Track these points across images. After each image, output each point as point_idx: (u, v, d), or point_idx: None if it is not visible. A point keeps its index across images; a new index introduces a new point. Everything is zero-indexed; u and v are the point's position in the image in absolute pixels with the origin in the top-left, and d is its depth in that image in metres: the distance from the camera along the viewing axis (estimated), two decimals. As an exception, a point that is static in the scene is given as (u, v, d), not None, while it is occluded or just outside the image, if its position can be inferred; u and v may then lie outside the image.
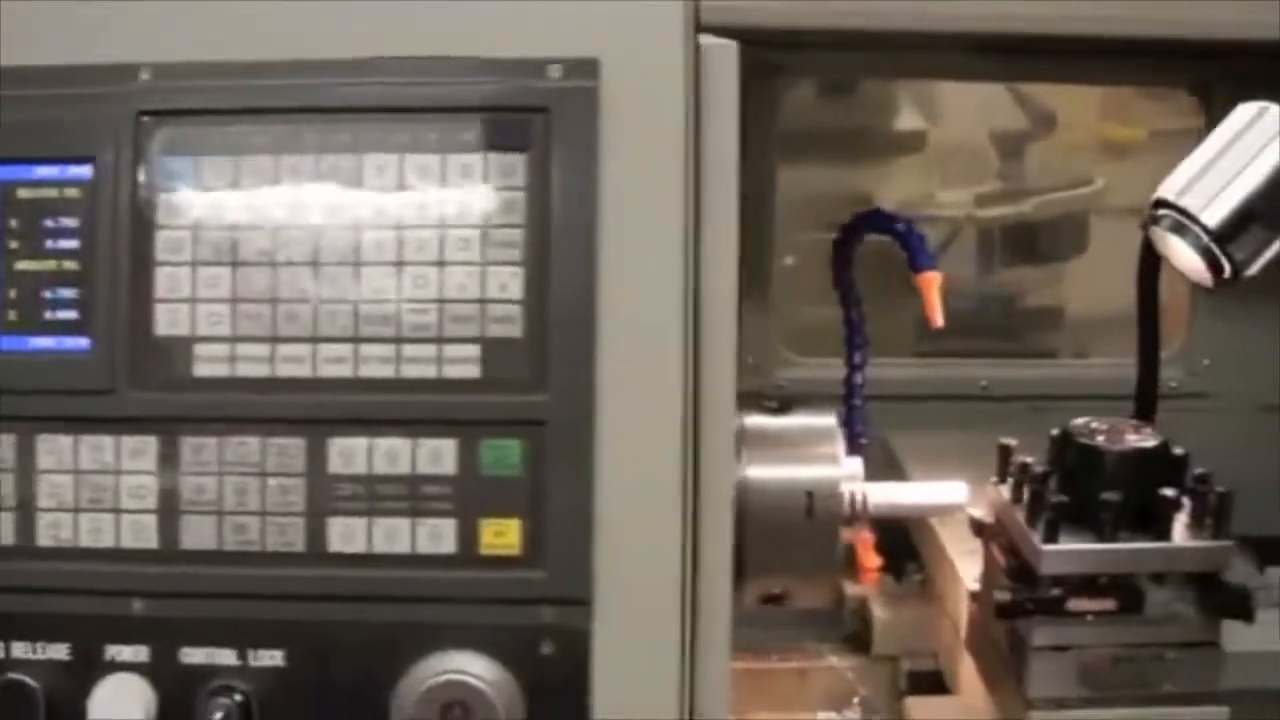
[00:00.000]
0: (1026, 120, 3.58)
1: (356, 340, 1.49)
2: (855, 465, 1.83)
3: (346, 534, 1.50)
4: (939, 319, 2.13)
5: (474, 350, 1.49)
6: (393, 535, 1.49)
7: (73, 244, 1.50)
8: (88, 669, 1.51)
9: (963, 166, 3.62)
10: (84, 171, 1.50)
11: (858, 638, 2.32)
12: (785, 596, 1.82)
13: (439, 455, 1.49)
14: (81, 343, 1.50)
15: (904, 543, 2.36)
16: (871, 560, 2.26)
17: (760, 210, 2.57)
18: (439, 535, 1.49)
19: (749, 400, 1.85)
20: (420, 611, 1.50)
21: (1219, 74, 2.45)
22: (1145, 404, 2.13)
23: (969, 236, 3.42)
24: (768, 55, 2.50)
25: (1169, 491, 1.84)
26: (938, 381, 2.69)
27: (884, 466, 2.34)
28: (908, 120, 3.48)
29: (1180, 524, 1.87)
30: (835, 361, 2.34)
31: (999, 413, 2.05)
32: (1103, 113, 3.77)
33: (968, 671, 2.11)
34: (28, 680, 1.51)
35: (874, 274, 2.37)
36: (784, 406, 1.86)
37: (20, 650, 1.52)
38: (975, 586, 2.05)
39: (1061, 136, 3.72)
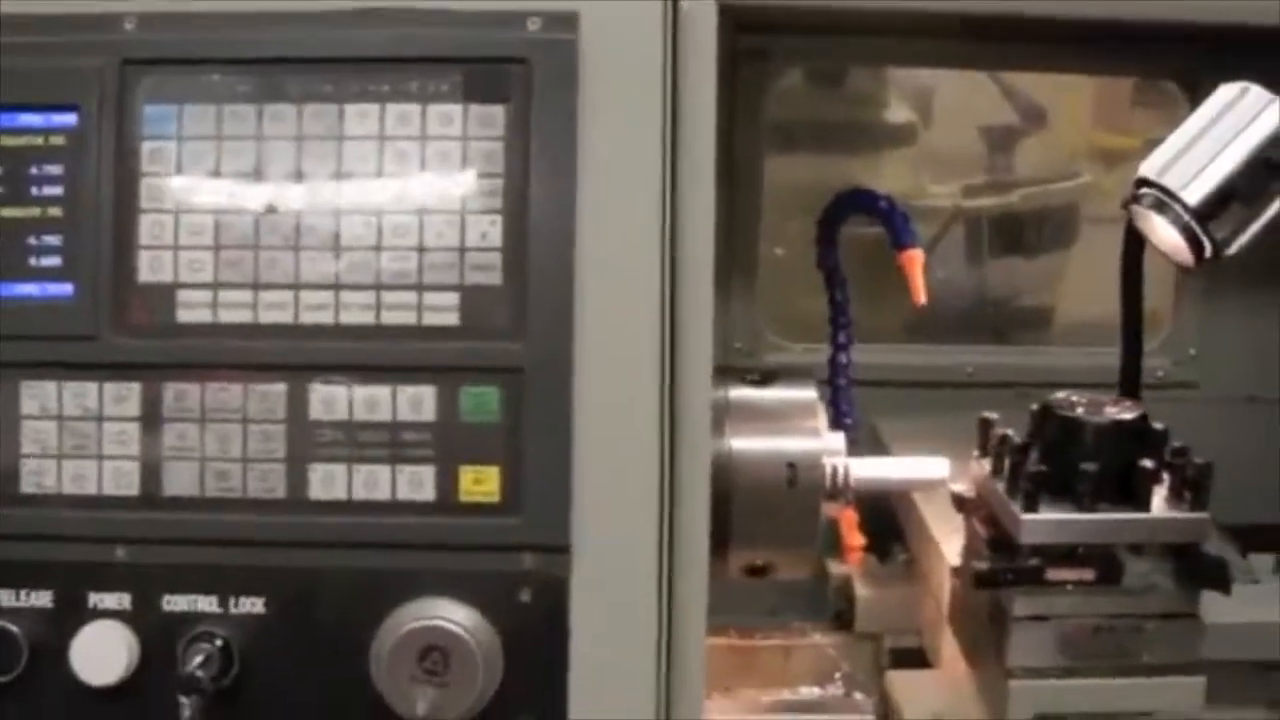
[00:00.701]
0: (1016, 115, 3.61)
1: (338, 287, 1.51)
2: (837, 439, 1.85)
3: (327, 481, 1.51)
4: (922, 296, 2.14)
5: (453, 298, 1.51)
6: (373, 482, 1.51)
7: (57, 191, 1.52)
8: (71, 616, 1.52)
9: (953, 161, 3.64)
10: (69, 119, 1.52)
11: (841, 616, 2.33)
12: (768, 568, 1.83)
13: (419, 402, 1.51)
14: (65, 289, 1.52)
15: (889, 524, 2.37)
16: (855, 539, 2.27)
17: (748, 197, 2.59)
18: (419, 482, 1.51)
19: (731, 373, 1.87)
20: (400, 558, 1.51)
21: (1206, 63, 2.46)
22: (1129, 385, 2.14)
23: (958, 229, 3.44)
24: (754, 41, 2.52)
25: (1147, 463, 1.85)
26: (926, 368, 2.70)
27: (872, 451, 2.35)
28: (899, 113, 3.50)
29: (1159, 496, 1.87)
30: (824, 347, 2.35)
31: (987, 399, 2.05)
32: (1095, 121, 3.79)
33: (949, 647, 2.12)
34: (11, 627, 1.53)
35: (866, 266, 2.39)
36: (765, 379, 1.87)
37: (4, 598, 1.54)
38: (957, 562, 2.06)
39: (1054, 142, 3.74)
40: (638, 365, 1.51)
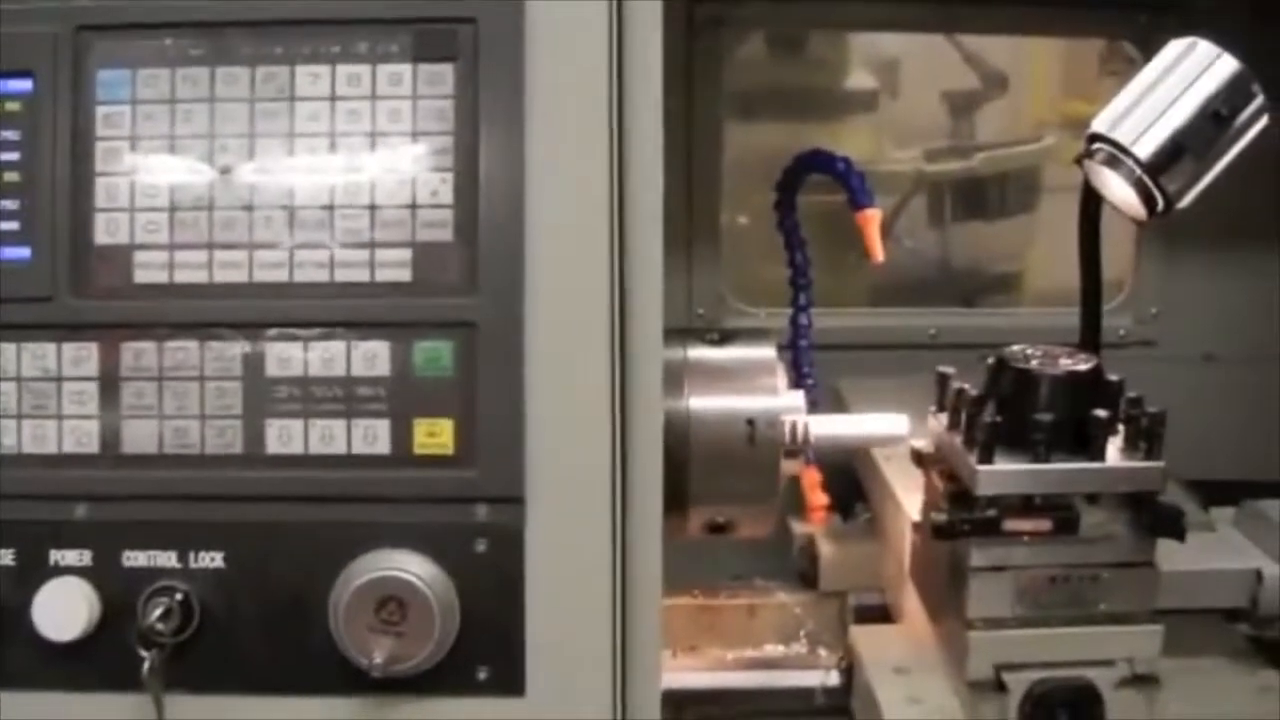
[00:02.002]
0: (979, 82, 3.63)
1: (291, 246, 1.53)
2: (796, 397, 1.86)
3: (284, 436, 1.53)
4: (879, 255, 2.15)
5: (405, 254, 1.53)
6: (329, 436, 1.53)
7: (13, 156, 1.53)
8: (32, 573, 1.53)
9: (917, 127, 3.66)
10: (24, 85, 1.54)
11: (805, 575, 2.35)
12: (729, 526, 1.85)
13: (373, 357, 1.52)
14: (23, 252, 1.53)
15: (851, 483, 2.39)
16: (819, 499, 2.29)
17: (709, 165, 2.61)
18: (374, 436, 1.53)
19: (691, 334, 1.89)
20: (356, 511, 1.53)
21: (1163, 24, 2.48)
22: (1088, 339, 2.16)
23: (922, 193, 3.46)
24: (710, 10, 2.54)
25: (1101, 413, 1.87)
26: (889, 330, 2.72)
27: (835, 413, 2.36)
28: (861, 80, 3.52)
29: (1114, 446, 1.90)
30: (786, 311, 2.36)
31: (950, 361, 2.08)
32: (1064, 90, 3.81)
33: (911, 603, 2.14)
34: (-26, 586, 1.54)
35: (831, 234, 2.40)
36: (724, 339, 1.89)
37: None
38: (918, 518, 2.08)
39: (1023, 110, 3.76)
40: (588, 318, 1.52)
